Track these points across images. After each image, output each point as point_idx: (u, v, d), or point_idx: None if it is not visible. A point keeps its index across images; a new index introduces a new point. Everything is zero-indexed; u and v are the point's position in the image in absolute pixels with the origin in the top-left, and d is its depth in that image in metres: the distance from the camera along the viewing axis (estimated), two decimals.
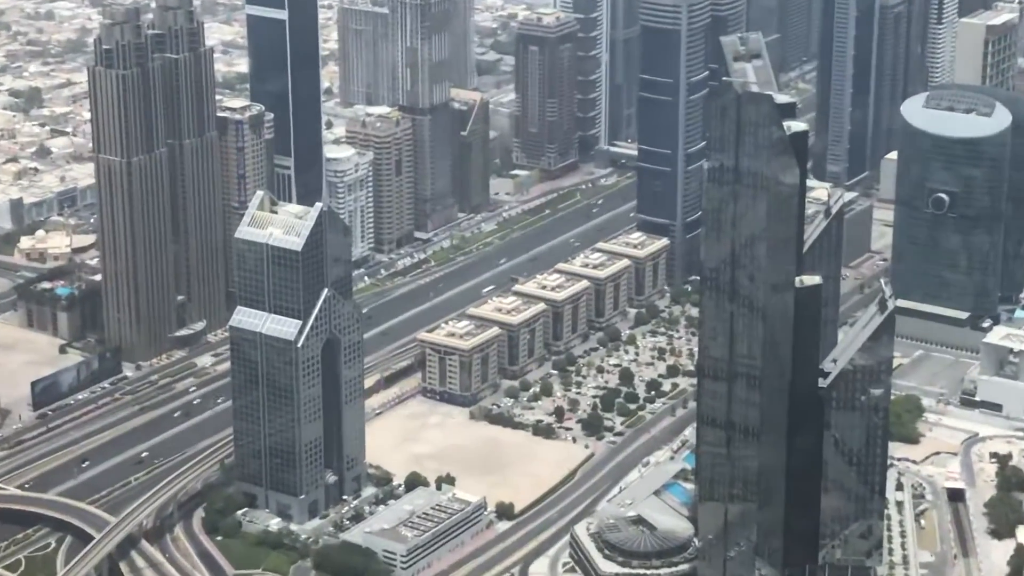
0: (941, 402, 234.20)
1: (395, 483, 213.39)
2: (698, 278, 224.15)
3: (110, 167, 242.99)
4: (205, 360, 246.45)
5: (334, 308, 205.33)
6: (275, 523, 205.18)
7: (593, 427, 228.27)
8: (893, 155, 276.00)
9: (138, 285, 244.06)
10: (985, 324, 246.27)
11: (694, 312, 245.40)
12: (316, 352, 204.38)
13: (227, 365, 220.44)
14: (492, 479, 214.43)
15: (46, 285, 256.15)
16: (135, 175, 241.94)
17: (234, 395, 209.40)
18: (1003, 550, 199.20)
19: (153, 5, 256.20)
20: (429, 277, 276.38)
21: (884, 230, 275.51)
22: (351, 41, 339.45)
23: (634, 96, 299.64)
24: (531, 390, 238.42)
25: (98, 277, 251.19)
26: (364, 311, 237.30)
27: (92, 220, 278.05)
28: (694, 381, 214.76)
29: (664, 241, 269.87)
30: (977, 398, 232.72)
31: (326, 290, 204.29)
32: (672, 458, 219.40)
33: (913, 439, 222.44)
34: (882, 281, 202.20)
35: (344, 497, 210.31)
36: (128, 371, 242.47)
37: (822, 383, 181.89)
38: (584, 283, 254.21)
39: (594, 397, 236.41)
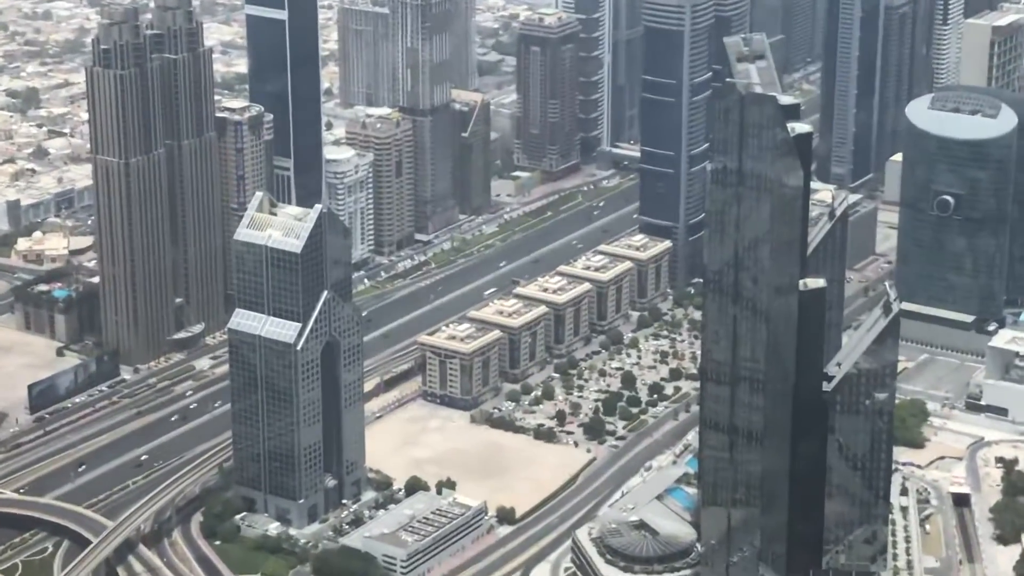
0: (946, 406, 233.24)
1: (395, 487, 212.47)
2: (701, 281, 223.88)
3: (108, 168, 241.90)
4: (204, 363, 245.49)
5: (334, 311, 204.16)
6: (274, 527, 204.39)
7: (595, 431, 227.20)
8: (898, 157, 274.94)
9: (136, 287, 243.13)
10: (991, 327, 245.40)
11: (697, 315, 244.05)
12: (315, 355, 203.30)
13: (226, 368, 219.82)
14: (493, 483, 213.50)
15: (43, 287, 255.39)
16: (133, 176, 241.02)
17: (233, 398, 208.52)
18: (1009, 555, 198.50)
19: (152, 5, 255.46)
20: (429, 279, 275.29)
21: (889, 232, 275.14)
22: (351, 41, 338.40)
23: (636, 97, 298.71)
24: (532, 394, 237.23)
25: (96, 279, 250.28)
26: (364, 314, 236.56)
27: (90, 222, 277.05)
28: (697, 385, 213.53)
29: (667, 243, 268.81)
30: (983, 402, 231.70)
31: (326, 292, 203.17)
32: (675, 462, 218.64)
33: (918, 443, 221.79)
34: (887, 284, 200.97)
35: (344, 501, 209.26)
36: (126, 374, 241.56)
37: (826, 387, 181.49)
38: (586, 286, 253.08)
39: (596, 401, 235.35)
